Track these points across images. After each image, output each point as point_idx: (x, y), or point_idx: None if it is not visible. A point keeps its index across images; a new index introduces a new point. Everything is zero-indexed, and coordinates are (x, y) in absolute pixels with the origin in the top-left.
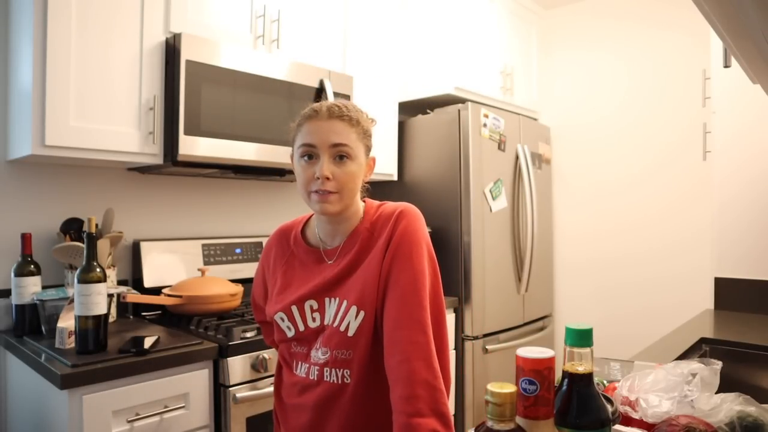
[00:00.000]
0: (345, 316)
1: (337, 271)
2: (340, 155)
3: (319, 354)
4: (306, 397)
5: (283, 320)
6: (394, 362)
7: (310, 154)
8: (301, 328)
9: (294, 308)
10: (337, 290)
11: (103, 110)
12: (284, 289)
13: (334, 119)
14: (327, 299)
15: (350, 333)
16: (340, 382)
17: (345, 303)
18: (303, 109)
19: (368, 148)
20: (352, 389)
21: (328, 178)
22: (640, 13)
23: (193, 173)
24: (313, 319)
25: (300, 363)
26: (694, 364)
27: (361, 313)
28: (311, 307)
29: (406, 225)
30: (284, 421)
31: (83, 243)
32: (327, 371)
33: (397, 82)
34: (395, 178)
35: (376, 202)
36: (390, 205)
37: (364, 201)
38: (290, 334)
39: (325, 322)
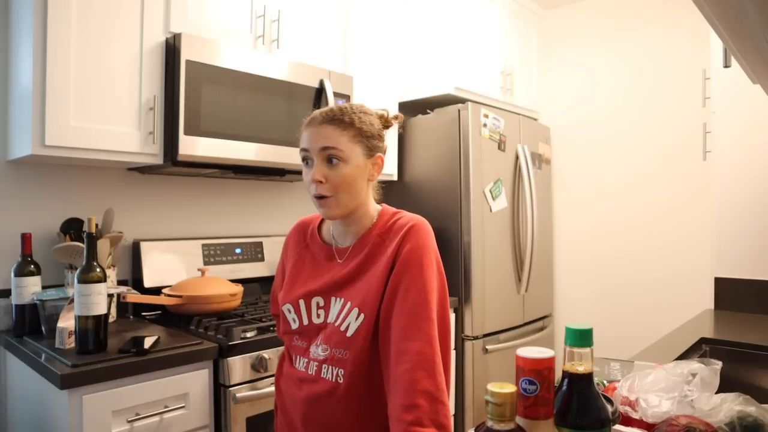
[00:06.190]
0: (347, 316)
1: (345, 272)
2: (330, 158)
3: (319, 350)
4: (302, 391)
5: (289, 312)
6: (398, 371)
7: (306, 158)
8: (305, 322)
9: (301, 302)
10: (343, 291)
11: (103, 110)
12: (293, 281)
13: (326, 124)
14: (333, 298)
15: (349, 333)
16: (334, 380)
17: (349, 304)
18: (303, 110)
19: (370, 148)
20: (343, 390)
21: (321, 182)
22: (640, 13)
23: (193, 173)
24: (318, 316)
25: (299, 357)
26: (694, 364)
27: (362, 316)
28: (317, 303)
29: (417, 239)
30: (283, 411)
31: (83, 243)
32: (325, 368)
33: (397, 82)
34: (395, 178)
35: (393, 210)
36: (405, 218)
37: (381, 205)
38: (294, 326)
39: (329, 320)
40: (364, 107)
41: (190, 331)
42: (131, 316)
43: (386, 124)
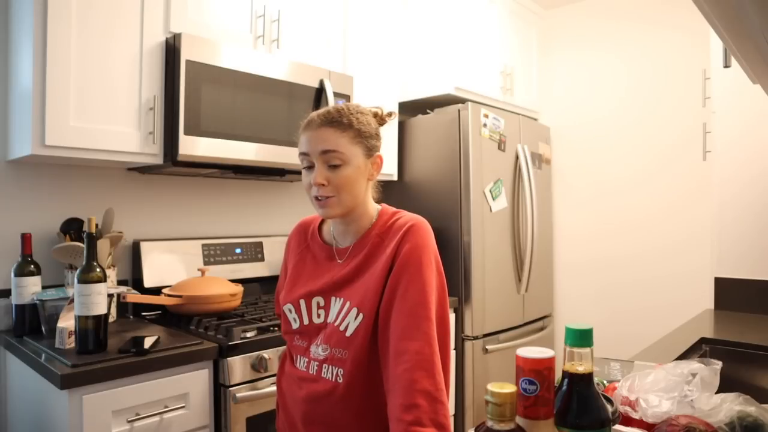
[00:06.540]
0: (346, 316)
1: (345, 272)
2: (331, 161)
3: (319, 350)
4: (303, 390)
5: (290, 311)
6: (398, 371)
7: (306, 162)
8: (306, 322)
9: (302, 302)
10: (343, 291)
11: (103, 110)
12: (294, 282)
13: (325, 126)
14: (333, 298)
15: (348, 333)
16: (334, 380)
17: (348, 304)
18: (302, 110)
19: (369, 148)
20: (343, 389)
21: (323, 185)
22: (640, 13)
23: (193, 173)
24: (318, 316)
25: (300, 357)
26: (694, 364)
27: (360, 315)
28: (318, 303)
29: (417, 239)
30: (284, 410)
31: (83, 243)
32: (325, 368)
33: (397, 82)
34: (395, 178)
35: (392, 209)
36: (404, 218)
37: (381, 205)
38: (295, 326)
39: (328, 320)
40: (360, 107)
41: (190, 331)
42: (131, 316)
43: (381, 121)
